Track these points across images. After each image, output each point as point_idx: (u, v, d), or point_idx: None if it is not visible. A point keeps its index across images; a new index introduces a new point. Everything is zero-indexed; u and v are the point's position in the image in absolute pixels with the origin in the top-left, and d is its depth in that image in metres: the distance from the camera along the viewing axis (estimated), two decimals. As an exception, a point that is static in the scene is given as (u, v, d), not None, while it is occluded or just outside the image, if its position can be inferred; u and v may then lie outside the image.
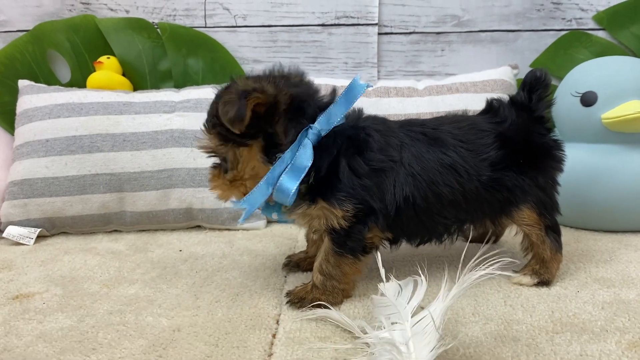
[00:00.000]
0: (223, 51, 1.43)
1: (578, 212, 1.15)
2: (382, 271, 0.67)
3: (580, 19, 1.42)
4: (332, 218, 0.79)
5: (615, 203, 1.11)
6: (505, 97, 0.92)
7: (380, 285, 0.68)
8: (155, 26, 1.42)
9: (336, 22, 1.41)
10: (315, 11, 1.41)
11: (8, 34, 1.44)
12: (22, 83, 1.35)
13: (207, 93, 1.29)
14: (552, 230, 0.88)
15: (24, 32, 1.42)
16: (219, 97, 0.79)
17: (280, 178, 0.77)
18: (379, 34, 1.42)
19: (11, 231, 1.18)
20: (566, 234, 1.13)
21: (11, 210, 1.20)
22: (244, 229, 1.24)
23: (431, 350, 0.57)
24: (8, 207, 1.21)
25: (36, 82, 1.37)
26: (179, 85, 1.41)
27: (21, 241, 1.17)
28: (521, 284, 0.87)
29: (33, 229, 1.19)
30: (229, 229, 1.25)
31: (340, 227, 0.79)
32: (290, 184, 0.77)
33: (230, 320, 0.77)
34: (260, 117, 0.76)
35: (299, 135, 0.78)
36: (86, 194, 1.19)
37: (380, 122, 0.85)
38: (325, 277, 0.82)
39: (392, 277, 0.68)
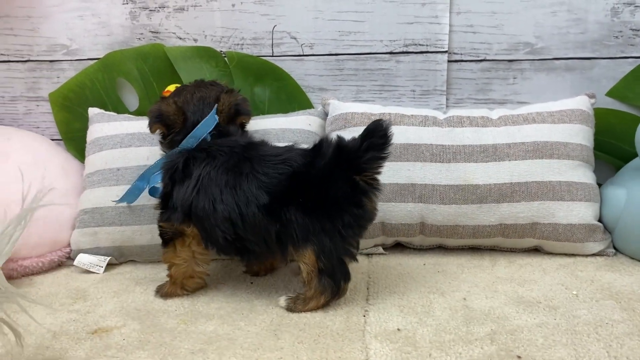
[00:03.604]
0: (289, 80, 1.42)
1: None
2: None
3: (661, 45, 1.35)
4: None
5: None
6: (334, 137, 0.91)
7: None
8: (223, 55, 1.42)
9: (405, 49, 1.39)
10: (384, 39, 1.38)
11: (79, 62, 1.47)
12: (92, 111, 1.37)
13: (274, 123, 1.28)
14: (327, 274, 0.90)
15: (95, 61, 1.44)
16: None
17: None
18: (449, 61, 1.39)
19: (82, 259, 1.18)
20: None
21: (81, 239, 1.21)
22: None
23: None
24: (78, 235, 1.21)
25: (105, 109, 1.39)
26: (245, 114, 1.40)
27: (91, 269, 1.17)
28: (278, 304, 0.94)
29: (103, 257, 1.19)
30: (292, 260, 1.22)
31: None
32: (153, 181, 1.05)
33: (318, 364, 0.74)
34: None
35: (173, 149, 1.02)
36: (155, 223, 1.18)
37: (219, 144, 0.98)
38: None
39: None
